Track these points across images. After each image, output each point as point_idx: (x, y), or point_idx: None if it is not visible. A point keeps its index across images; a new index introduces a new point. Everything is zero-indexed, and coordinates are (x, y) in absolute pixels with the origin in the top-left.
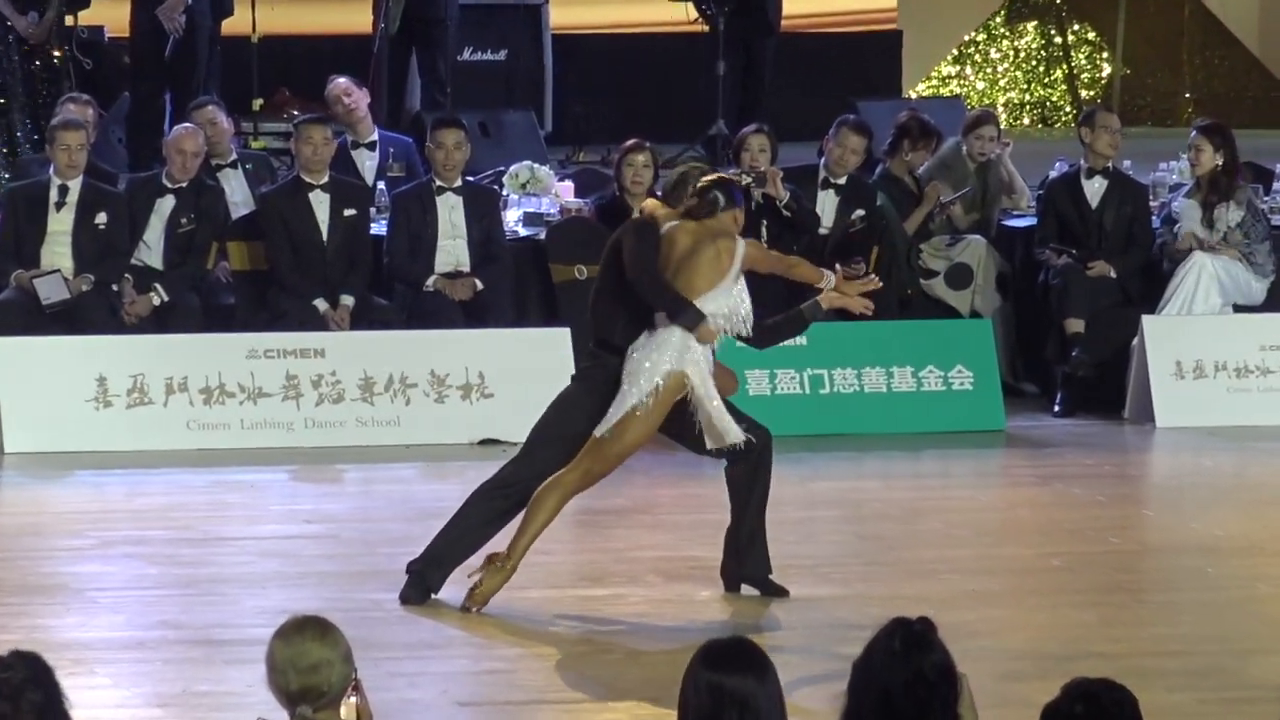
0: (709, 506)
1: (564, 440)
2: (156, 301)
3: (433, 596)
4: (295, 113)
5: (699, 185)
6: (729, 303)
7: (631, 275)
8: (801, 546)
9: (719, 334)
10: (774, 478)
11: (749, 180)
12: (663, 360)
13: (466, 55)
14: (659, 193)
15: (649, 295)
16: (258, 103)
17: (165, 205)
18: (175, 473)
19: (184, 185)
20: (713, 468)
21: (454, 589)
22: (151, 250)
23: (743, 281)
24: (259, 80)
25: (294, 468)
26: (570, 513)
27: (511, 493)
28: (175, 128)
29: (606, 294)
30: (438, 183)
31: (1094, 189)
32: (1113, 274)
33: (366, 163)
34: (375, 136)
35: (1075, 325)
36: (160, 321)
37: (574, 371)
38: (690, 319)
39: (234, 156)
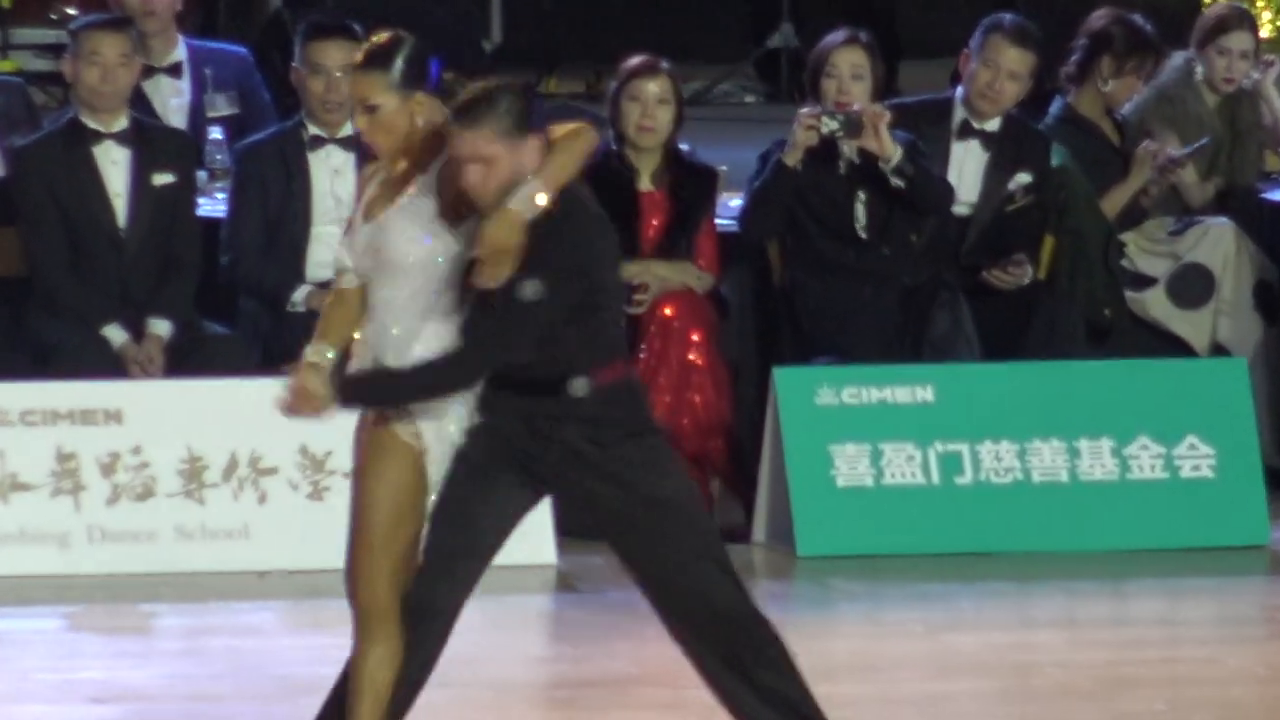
0: None
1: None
2: None
3: None
4: (72, 11)
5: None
6: None
7: None
8: None
9: None
10: (884, 628)
11: (833, 127)
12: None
13: None
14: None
15: None
16: None
17: None
18: None
19: None
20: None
21: None
22: None
23: None
24: None
25: (72, 609)
26: (539, 685)
27: (423, 623)
28: None
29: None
30: (313, 130)
31: None
32: None
33: (170, 100)
34: (181, 55)
35: None
36: None
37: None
38: None
39: None
